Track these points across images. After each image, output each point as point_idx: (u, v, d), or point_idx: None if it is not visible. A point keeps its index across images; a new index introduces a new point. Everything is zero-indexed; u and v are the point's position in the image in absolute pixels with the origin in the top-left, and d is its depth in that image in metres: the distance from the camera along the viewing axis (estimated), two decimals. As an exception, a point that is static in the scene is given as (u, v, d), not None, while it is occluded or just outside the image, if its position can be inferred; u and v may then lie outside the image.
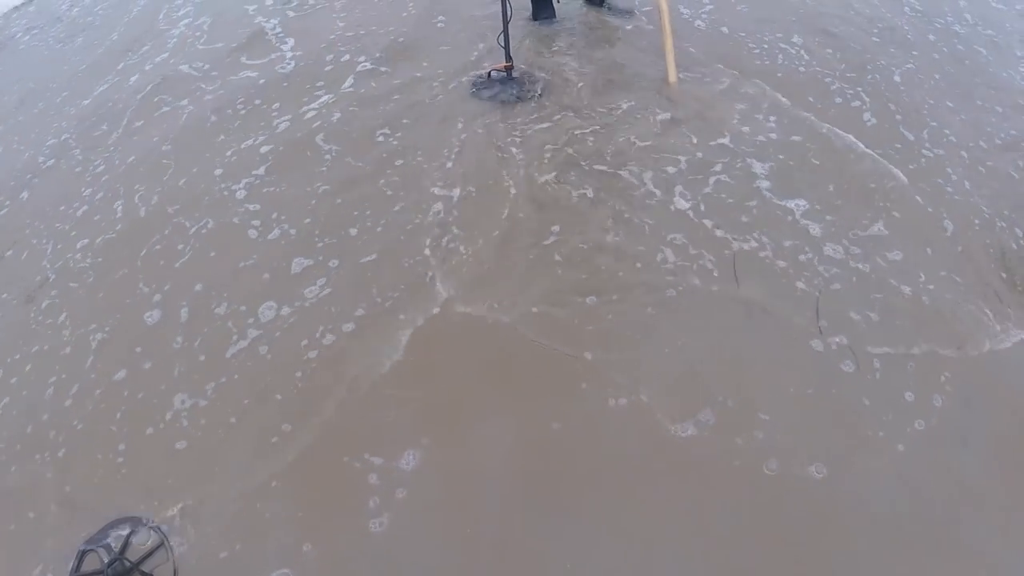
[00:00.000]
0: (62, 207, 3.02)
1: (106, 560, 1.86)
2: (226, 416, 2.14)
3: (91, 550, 1.89)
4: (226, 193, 2.87)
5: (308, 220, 2.68)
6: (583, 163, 2.84)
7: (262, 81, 3.55)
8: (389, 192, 2.78)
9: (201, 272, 2.57)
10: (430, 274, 2.44)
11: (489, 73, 3.34)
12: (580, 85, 3.32)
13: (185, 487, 2.00)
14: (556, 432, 2.04)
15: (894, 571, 1.80)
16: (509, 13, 3.25)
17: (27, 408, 2.27)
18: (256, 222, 2.72)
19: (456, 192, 2.75)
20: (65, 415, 2.22)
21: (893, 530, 1.87)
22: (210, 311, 2.44)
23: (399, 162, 2.90)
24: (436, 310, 2.34)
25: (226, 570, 1.83)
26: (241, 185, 2.90)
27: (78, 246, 2.78)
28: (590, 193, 2.70)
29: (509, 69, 3.33)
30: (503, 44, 3.31)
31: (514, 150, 2.91)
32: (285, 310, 2.38)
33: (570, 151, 2.90)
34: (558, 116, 3.12)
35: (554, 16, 3.74)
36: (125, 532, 1.91)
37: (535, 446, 2.02)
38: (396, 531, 1.86)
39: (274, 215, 2.73)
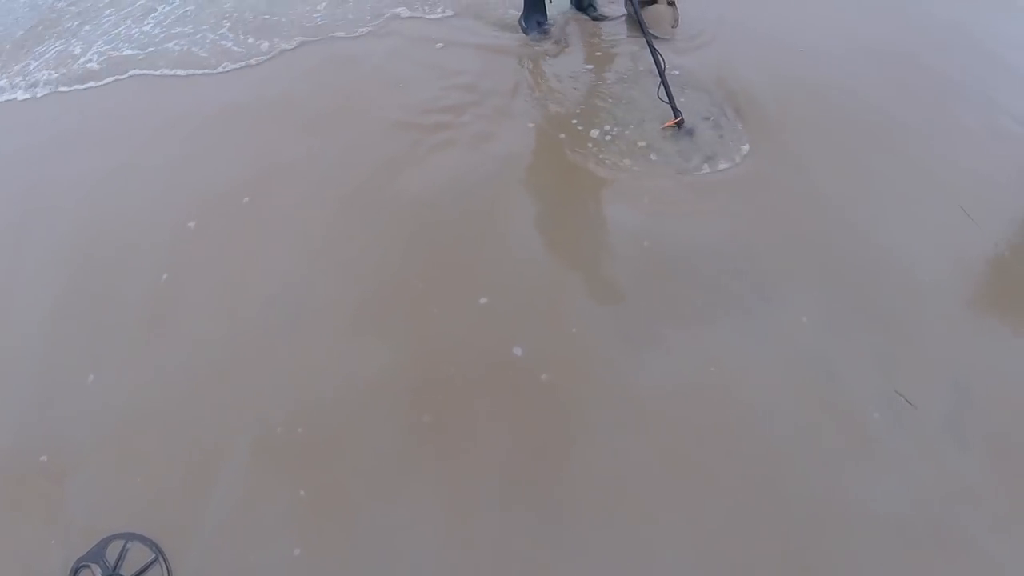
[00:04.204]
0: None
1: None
2: (219, 429, 2.13)
3: (85, 566, 1.89)
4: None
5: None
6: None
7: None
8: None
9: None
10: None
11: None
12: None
13: (180, 500, 2.00)
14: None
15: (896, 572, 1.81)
16: (663, 61, 2.93)
17: (21, 422, 2.26)
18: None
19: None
20: (60, 429, 2.22)
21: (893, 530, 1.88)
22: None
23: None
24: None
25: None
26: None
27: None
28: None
29: (680, 124, 2.97)
30: (666, 98, 2.93)
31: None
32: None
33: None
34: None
35: (546, 20, 3.62)
36: (120, 548, 1.91)
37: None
38: (395, 537, 1.86)
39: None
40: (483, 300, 2.39)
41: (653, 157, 2.92)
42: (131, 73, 3.75)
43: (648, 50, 2.98)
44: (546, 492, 1.94)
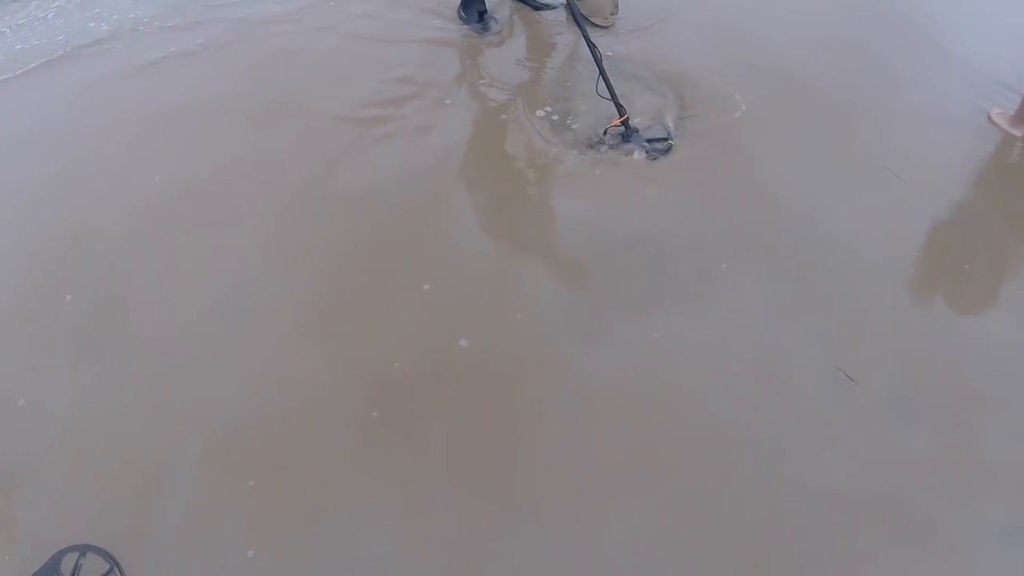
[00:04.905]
0: None
1: (55, 590, 1.87)
2: (169, 433, 2.13)
3: (40, 581, 1.89)
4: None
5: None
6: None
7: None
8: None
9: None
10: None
11: (605, 131, 2.91)
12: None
13: (133, 508, 2.00)
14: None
15: (852, 551, 1.88)
16: (599, 54, 2.82)
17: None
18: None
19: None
20: (4, 442, 2.18)
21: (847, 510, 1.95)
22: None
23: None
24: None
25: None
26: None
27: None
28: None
29: (626, 123, 2.88)
30: (607, 95, 2.83)
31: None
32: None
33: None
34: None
35: (486, 9, 3.59)
36: (74, 560, 1.91)
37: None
38: (348, 534, 1.90)
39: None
40: (426, 286, 2.43)
41: (596, 144, 2.97)
42: (63, 66, 3.64)
43: (585, 44, 2.94)
44: (501, 484, 1.98)
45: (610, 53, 3.35)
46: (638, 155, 2.88)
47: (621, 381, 2.20)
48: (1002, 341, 2.38)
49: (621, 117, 2.89)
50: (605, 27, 3.59)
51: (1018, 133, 3.23)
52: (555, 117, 3.09)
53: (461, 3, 3.57)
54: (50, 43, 3.81)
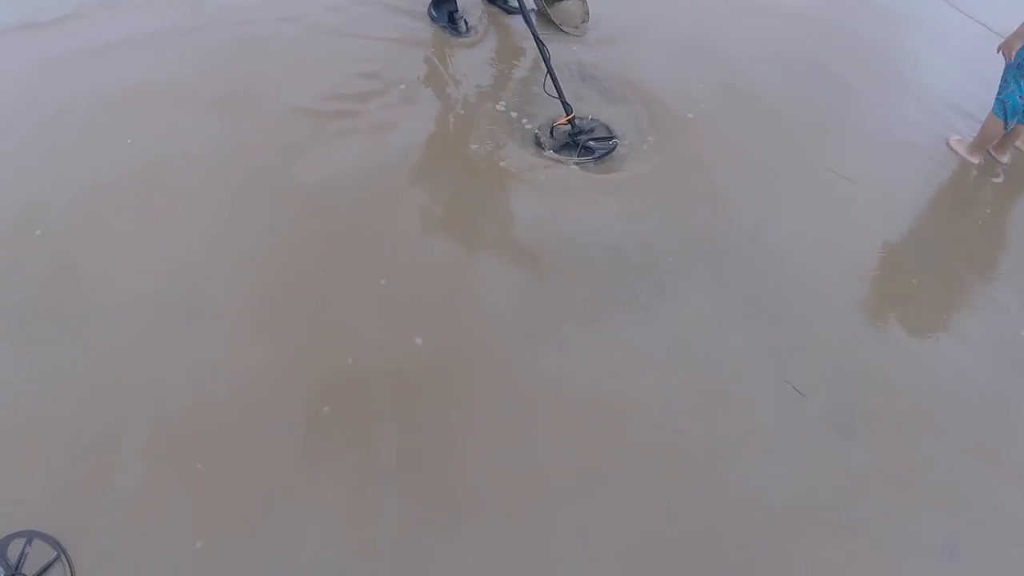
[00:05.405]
0: None
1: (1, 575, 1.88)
2: (117, 421, 2.13)
3: (-15, 566, 1.90)
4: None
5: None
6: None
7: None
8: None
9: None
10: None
11: (552, 130, 3.00)
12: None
13: (80, 496, 2.00)
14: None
15: (792, 564, 1.96)
16: (547, 52, 2.87)
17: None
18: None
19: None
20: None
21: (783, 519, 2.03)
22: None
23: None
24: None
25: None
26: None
27: None
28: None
29: (572, 121, 2.96)
30: (554, 92, 2.91)
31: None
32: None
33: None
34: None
35: (457, 10, 3.61)
36: (21, 546, 1.92)
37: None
38: (296, 528, 1.93)
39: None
40: (383, 281, 2.45)
41: (556, 152, 3.04)
42: (24, 38, 3.52)
43: (536, 42, 2.99)
44: (446, 484, 2.04)
45: (574, 48, 3.41)
46: (583, 153, 2.98)
47: (569, 386, 2.28)
48: (944, 362, 2.53)
49: (568, 116, 2.98)
50: (575, 35, 3.66)
51: (974, 160, 3.40)
52: (516, 117, 3.15)
53: (432, 2, 3.59)
54: (11, 13, 3.70)
